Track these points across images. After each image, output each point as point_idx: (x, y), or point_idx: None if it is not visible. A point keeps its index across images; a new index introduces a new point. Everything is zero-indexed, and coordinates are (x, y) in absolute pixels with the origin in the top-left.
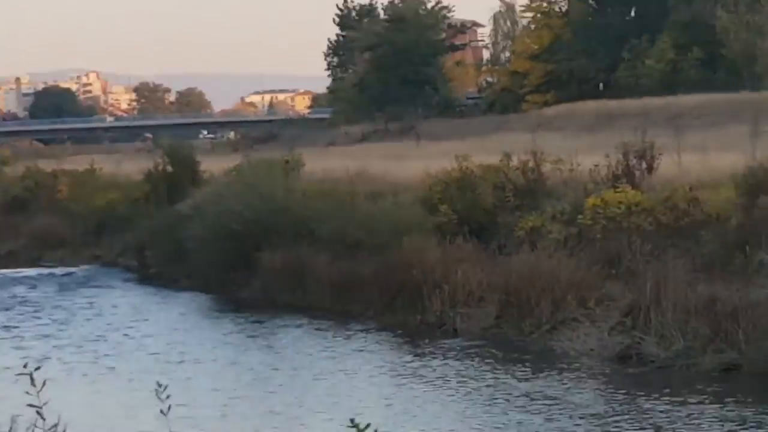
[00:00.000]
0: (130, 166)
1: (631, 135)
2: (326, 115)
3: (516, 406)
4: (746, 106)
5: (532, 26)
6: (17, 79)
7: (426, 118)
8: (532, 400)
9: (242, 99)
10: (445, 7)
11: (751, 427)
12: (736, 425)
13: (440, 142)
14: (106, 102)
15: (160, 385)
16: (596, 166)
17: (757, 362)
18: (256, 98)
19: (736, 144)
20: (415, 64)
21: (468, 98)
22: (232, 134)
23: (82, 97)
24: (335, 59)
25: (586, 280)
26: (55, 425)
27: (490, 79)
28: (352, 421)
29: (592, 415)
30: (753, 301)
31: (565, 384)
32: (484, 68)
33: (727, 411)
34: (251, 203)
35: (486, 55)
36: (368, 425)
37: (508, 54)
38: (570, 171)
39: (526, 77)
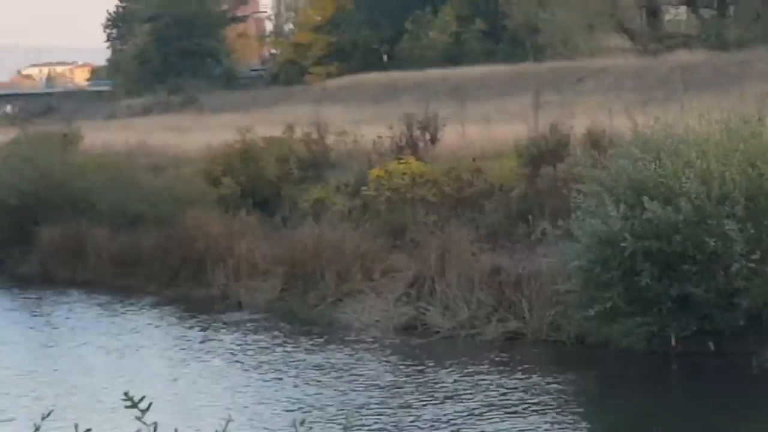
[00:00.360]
0: None
1: (414, 106)
2: (107, 88)
3: (306, 379)
4: (528, 77)
5: None
6: None
7: (209, 90)
8: (321, 372)
9: (19, 72)
10: None
11: (535, 393)
12: (521, 392)
13: (223, 114)
14: None
15: None
16: (380, 137)
17: (541, 331)
18: (33, 71)
19: (518, 115)
20: (197, 35)
21: (251, 70)
22: (9, 108)
23: None
24: (115, 31)
25: (371, 252)
26: None
27: (273, 51)
28: (126, 394)
29: (380, 386)
30: (536, 271)
31: (353, 356)
32: (267, 40)
33: (512, 379)
34: (28, 177)
35: (269, 26)
36: (143, 398)
37: (291, 26)
38: (354, 143)
39: (309, 49)
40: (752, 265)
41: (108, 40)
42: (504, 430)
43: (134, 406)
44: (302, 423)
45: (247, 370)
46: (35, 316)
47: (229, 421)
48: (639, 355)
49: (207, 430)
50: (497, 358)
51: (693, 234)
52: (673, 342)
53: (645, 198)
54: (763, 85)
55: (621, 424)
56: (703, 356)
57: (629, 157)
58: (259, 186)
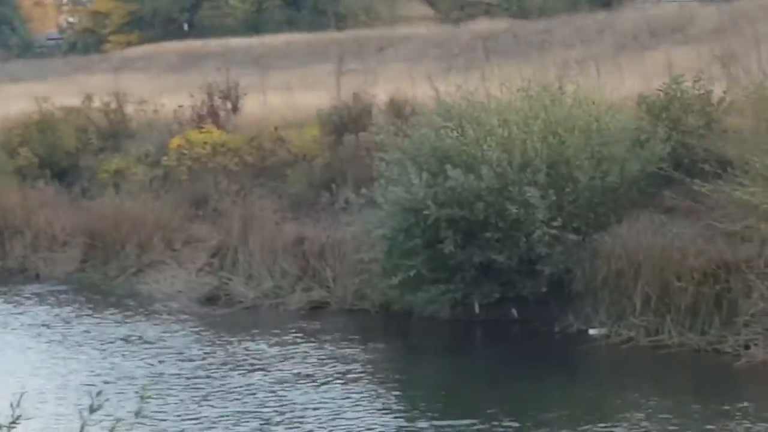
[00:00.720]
0: None
1: (216, 75)
2: None
3: (110, 351)
4: (331, 45)
5: None
6: None
7: (4, 59)
8: (127, 344)
9: None
10: None
11: (343, 363)
12: (329, 361)
13: (20, 83)
14: None
15: None
16: (181, 106)
17: (345, 299)
18: None
19: (321, 83)
20: None
21: (48, 39)
22: None
23: None
24: None
25: (173, 222)
26: None
27: (71, 20)
28: None
29: (186, 357)
30: (340, 240)
31: (158, 327)
32: (64, 8)
33: (319, 348)
34: None
35: None
36: None
37: None
38: (154, 112)
39: (108, 17)
40: (554, 231)
41: None
42: (314, 400)
43: None
44: (98, 394)
45: (50, 342)
46: None
47: (22, 393)
48: (443, 322)
49: (1, 404)
50: (303, 328)
51: (495, 201)
52: (476, 309)
53: (448, 166)
54: (565, 53)
55: (427, 391)
56: (507, 323)
57: (432, 125)
58: (57, 156)
